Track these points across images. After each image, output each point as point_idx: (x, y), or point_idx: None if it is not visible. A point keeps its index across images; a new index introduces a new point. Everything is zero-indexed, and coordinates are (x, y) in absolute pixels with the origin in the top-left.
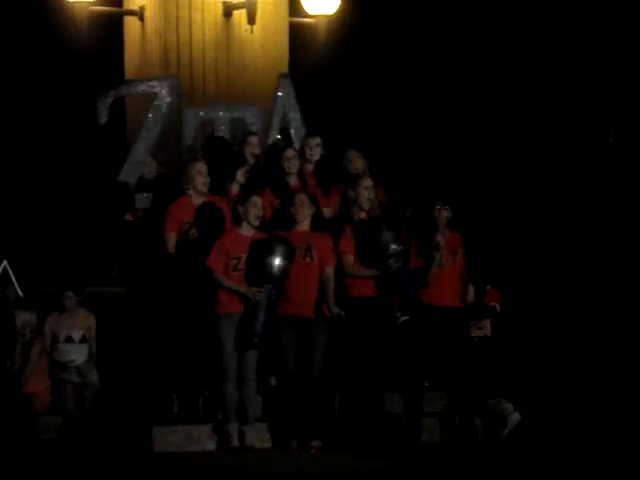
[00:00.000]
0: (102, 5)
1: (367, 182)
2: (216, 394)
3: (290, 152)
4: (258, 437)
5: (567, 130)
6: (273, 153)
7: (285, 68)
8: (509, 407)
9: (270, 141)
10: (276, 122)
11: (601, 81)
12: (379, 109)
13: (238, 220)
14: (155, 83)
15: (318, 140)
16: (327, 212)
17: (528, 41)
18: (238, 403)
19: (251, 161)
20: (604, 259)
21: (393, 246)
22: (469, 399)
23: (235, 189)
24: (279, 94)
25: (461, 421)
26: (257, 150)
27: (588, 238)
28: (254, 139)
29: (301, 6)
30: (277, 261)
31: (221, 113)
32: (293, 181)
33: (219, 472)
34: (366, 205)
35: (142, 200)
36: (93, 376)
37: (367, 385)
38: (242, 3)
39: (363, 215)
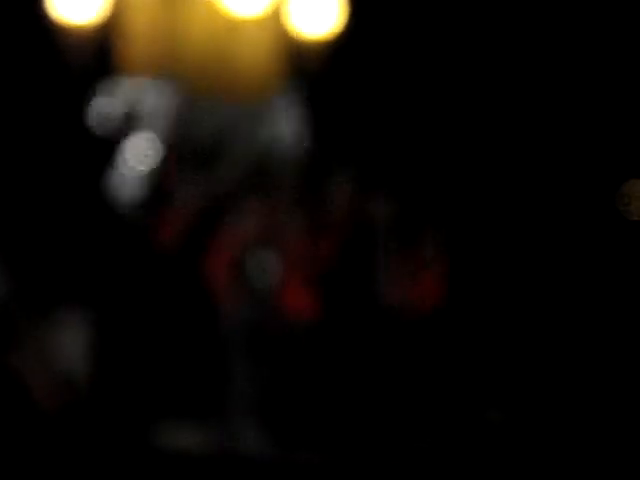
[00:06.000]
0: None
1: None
2: (219, 392)
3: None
4: (258, 434)
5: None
6: (263, 164)
7: (281, 86)
8: None
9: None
10: (269, 133)
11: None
12: (377, 126)
13: (231, 222)
14: (157, 85)
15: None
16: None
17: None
18: (240, 401)
19: (239, 168)
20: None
21: None
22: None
23: (223, 193)
24: (278, 109)
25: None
26: (247, 158)
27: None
28: (244, 147)
29: (297, 26)
30: (269, 263)
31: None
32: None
33: (219, 467)
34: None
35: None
36: (90, 371)
37: (368, 384)
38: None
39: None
